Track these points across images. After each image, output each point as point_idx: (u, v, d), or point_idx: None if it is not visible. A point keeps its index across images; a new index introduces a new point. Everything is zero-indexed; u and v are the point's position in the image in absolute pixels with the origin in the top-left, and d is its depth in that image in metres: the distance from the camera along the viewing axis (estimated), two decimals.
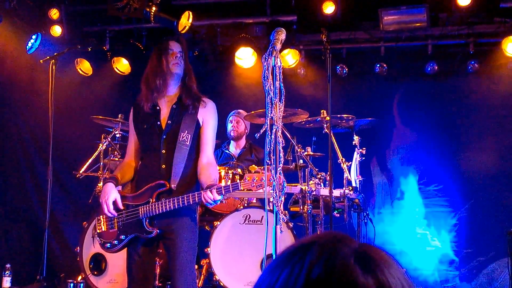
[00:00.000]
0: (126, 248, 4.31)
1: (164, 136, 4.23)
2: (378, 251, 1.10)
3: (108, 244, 4.30)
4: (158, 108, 4.32)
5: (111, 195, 4.18)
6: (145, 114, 4.31)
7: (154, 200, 4.12)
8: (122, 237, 4.24)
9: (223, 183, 5.45)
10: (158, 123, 4.28)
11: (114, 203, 4.19)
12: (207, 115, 4.33)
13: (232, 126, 7.09)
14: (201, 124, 4.30)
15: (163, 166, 4.19)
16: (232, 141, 7.21)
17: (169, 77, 4.32)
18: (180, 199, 4.03)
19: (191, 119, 4.26)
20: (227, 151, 7.16)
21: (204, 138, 4.29)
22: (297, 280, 1.04)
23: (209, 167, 4.20)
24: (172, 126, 4.25)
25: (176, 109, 4.29)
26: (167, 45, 4.34)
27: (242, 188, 3.97)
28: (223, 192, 3.97)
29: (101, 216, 4.33)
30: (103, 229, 4.32)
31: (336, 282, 1.02)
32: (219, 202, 4.06)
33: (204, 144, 4.28)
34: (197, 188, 4.17)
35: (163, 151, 4.21)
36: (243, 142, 7.19)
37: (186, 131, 4.21)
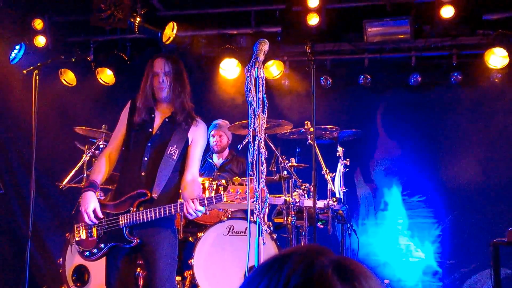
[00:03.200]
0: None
1: (149, 144, 4.23)
2: (356, 263, 1.10)
3: (87, 253, 4.28)
4: (153, 116, 4.32)
5: (90, 204, 4.16)
6: (140, 115, 4.30)
7: (134, 209, 4.10)
8: (102, 245, 4.21)
9: (207, 194, 5.43)
10: (150, 129, 4.29)
11: (94, 212, 4.16)
12: (198, 135, 4.35)
13: (214, 141, 7.06)
14: (189, 142, 4.31)
15: (143, 173, 4.18)
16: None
17: (155, 100, 4.33)
18: (162, 208, 4.02)
19: (182, 135, 4.28)
20: (210, 160, 7.15)
21: (192, 156, 4.30)
22: None
23: (193, 184, 4.21)
24: (160, 137, 4.26)
25: (168, 122, 4.31)
26: (152, 64, 4.32)
27: (225, 200, 3.96)
28: (206, 204, 3.96)
29: (80, 224, 4.29)
30: (82, 237, 4.29)
31: None
32: (201, 214, 4.05)
33: (190, 162, 4.28)
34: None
35: (145, 158, 4.20)
36: (226, 153, 7.18)
37: (175, 146, 4.22)
